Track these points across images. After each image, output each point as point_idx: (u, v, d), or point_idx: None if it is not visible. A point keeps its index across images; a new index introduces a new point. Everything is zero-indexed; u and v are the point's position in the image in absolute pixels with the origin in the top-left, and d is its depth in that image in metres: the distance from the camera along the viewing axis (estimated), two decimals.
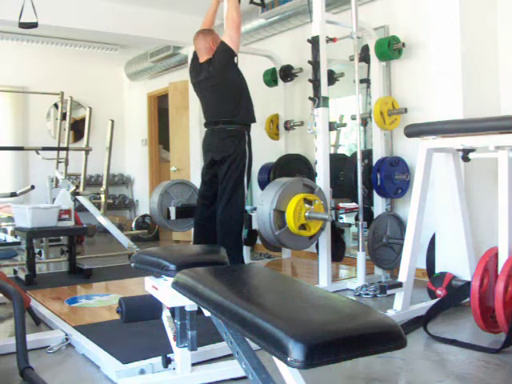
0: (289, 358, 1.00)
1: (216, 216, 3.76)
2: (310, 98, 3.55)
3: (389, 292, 2.88)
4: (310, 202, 3.25)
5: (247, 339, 1.46)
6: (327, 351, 1.02)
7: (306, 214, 3.21)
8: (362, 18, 3.76)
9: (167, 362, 2.08)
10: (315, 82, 3.50)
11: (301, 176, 3.70)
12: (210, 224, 3.80)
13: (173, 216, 4.18)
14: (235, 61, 3.80)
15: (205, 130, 3.93)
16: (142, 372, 2.16)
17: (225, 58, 3.72)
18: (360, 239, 3.60)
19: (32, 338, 2.47)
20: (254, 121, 3.89)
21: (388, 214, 3.91)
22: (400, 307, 2.90)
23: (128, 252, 5.03)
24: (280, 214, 3.18)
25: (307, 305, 1.28)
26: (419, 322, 2.79)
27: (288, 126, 4.88)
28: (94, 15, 5.26)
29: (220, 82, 3.76)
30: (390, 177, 3.86)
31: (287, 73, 4.91)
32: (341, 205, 4.81)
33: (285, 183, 3.24)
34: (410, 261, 2.90)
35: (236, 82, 3.78)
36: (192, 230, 4.16)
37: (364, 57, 4.02)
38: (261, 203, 3.21)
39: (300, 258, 4.89)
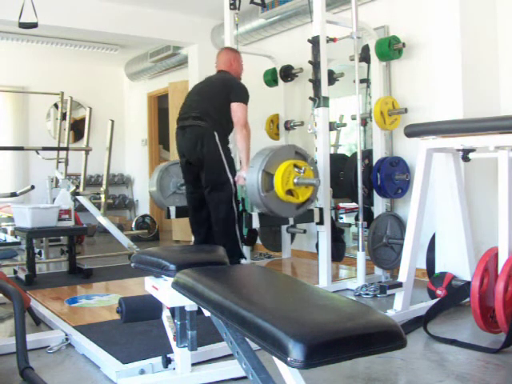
0: (289, 358, 1.00)
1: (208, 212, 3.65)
2: (310, 98, 3.55)
3: (389, 292, 2.88)
4: (300, 169, 3.16)
5: (247, 339, 1.46)
6: (327, 351, 1.02)
7: (295, 181, 3.14)
8: (362, 18, 3.76)
9: (167, 361, 2.09)
10: (315, 82, 3.50)
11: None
12: (205, 220, 3.73)
13: (173, 215, 4.16)
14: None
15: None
16: (142, 372, 2.16)
17: (230, 91, 3.57)
18: (360, 239, 3.59)
19: (32, 338, 2.47)
20: (227, 132, 3.63)
21: (388, 214, 3.91)
22: (400, 307, 2.90)
23: (128, 252, 5.03)
24: (269, 176, 3.10)
25: (307, 305, 1.28)
26: (419, 322, 2.79)
27: (288, 126, 4.88)
28: (94, 15, 5.26)
29: (217, 89, 3.61)
30: (390, 177, 3.86)
31: (287, 73, 4.91)
32: (341, 205, 4.81)
33: (278, 147, 3.18)
34: (410, 261, 2.90)
35: (226, 103, 3.55)
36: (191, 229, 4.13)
37: (364, 57, 4.02)
38: (251, 165, 3.13)
39: (300, 257, 4.89)
